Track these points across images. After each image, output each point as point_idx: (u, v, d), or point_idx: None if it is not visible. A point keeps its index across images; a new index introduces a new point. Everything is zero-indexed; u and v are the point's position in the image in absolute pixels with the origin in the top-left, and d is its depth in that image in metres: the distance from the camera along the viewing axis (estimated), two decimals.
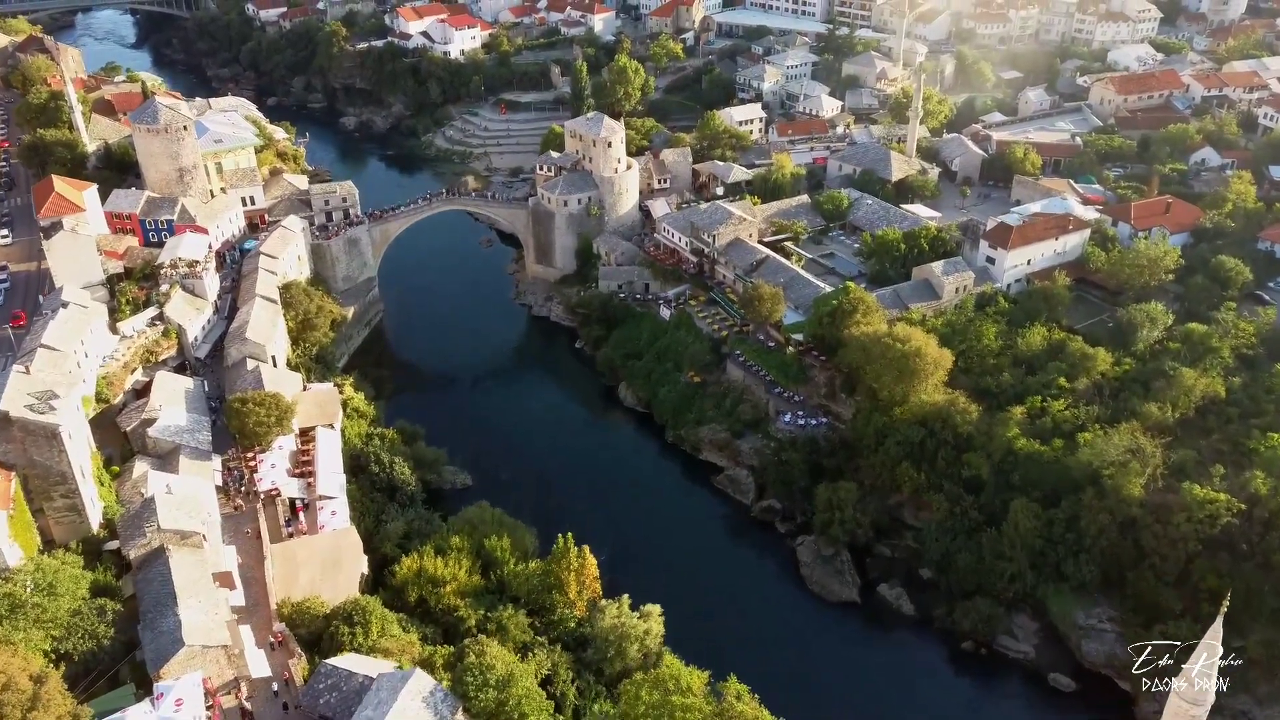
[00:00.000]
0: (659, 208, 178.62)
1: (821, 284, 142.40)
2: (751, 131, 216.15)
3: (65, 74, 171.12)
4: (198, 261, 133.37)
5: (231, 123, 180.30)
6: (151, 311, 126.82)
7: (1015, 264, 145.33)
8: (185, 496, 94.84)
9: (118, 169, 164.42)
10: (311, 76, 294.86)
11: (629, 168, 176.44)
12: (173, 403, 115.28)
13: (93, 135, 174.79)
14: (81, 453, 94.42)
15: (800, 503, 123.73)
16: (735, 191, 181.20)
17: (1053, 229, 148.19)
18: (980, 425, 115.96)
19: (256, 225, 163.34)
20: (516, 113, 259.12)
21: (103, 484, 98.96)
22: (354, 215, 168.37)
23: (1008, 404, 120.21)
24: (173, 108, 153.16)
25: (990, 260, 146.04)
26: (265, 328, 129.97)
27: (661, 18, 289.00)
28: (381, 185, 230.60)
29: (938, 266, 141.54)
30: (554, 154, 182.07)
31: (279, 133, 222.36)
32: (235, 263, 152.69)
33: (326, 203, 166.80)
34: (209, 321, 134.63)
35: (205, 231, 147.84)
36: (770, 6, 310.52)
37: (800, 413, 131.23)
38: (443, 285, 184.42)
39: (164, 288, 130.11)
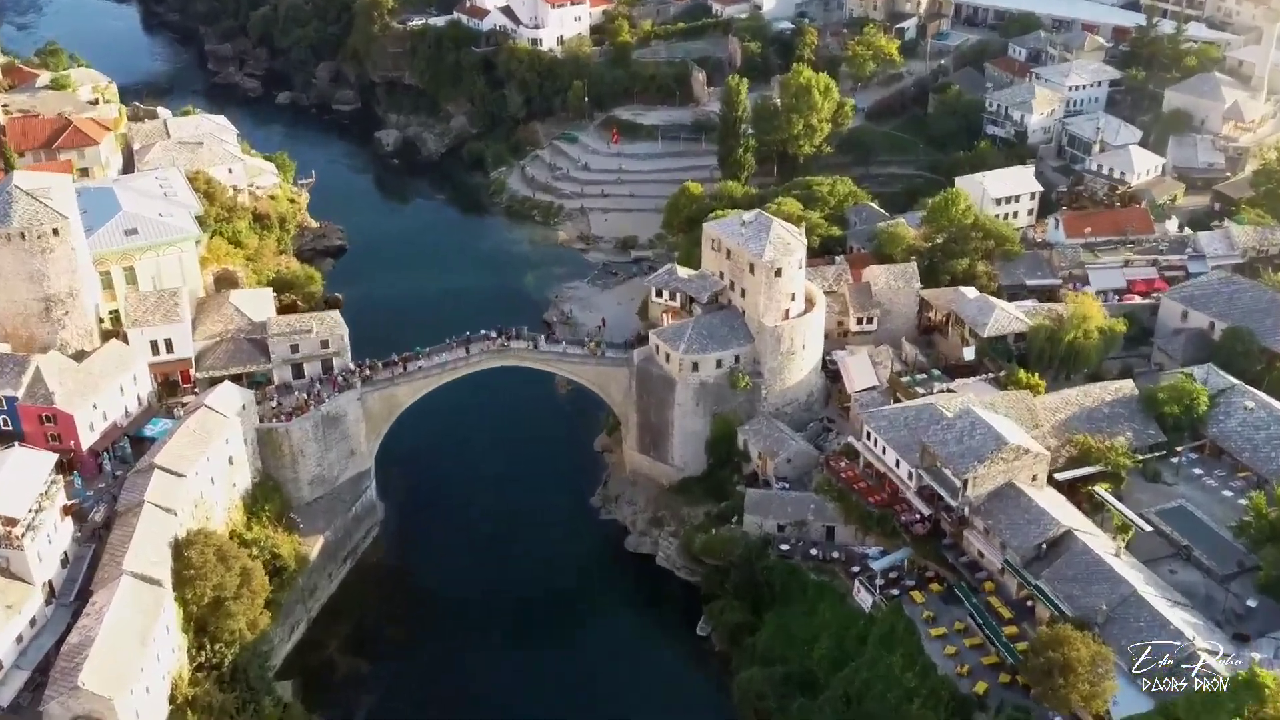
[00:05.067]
0: (857, 370, 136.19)
1: (1182, 624, 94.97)
2: (1016, 214, 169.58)
3: None
4: (16, 520, 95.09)
5: (164, 190, 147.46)
6: None
7: None
8: None
9: None
10: (342, 64, 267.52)
11: (809, 307, 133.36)
12: None
13: None
14: None
15: None
16: (997, 351, 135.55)
17: None
18: None
19: (177, 384, 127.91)
20: (635, 141, 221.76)
21: None
22: (338, 370, 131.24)
23: None
24: (41, 196, 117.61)
25: None
26: (124, 654, 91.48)
27: None
28: (420, 255, 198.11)
29: None
30: (682, 273, 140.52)
31: (268, 174, 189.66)
32: (122, 464, 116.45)
33: (294, 348, 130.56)
34: (37, 619, 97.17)
35: (71, 430, 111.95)
36: None
37: None
38: (484, 471, 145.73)
39: None
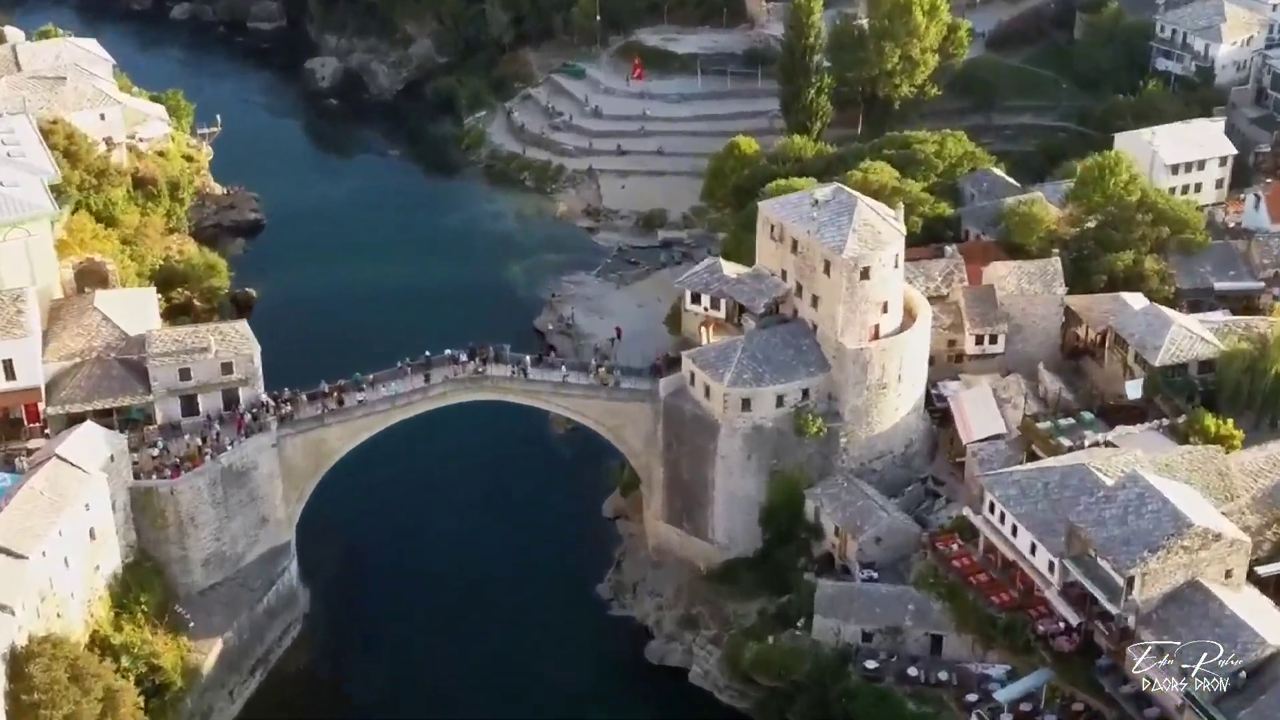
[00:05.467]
0: (975, 411, 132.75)
1: None
2: (1199, 187, 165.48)
3: None
4: None
5: (7, 148, 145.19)
6: None
7: None
8: None
9: None
10: None
11: (908, 321, 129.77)
12: None
13: None
14: None
15: None
16: (1174, 386, 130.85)
17: None
18: None
19: (20, 423, 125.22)
20: (665, 74, 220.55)
21: None
22: (246, 405, 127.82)
23: None
24: None
25: None
26: None
27: None
28: (364, 234, 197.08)
29: None
30: (728, 270, 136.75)
31: (156, 120, 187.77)
32: None
33: (184, 374, 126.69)
34: None
35: None
36: None
37: None
38: (450, 545, 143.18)
39: None
